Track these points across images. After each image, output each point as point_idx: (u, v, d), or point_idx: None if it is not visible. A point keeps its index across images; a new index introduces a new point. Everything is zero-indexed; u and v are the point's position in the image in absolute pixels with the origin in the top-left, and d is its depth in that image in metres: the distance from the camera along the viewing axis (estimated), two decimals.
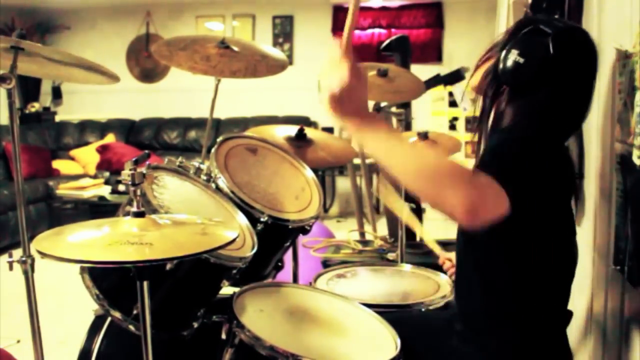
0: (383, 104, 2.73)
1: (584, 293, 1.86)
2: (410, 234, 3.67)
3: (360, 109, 1.15)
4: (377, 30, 6.55)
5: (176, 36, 2.47)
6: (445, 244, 3.10)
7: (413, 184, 1.09)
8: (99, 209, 5.19)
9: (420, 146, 1.24)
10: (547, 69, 1.26)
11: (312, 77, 7.25)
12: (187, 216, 1.34)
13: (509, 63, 1.29)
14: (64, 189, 5.45)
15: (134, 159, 1.22)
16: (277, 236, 1.79)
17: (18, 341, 2.88)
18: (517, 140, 1.24)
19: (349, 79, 1.13)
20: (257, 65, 2.39)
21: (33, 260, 1.52)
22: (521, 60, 1.27)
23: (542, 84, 1.27)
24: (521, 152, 1.19)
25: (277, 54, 2.54)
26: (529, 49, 1.27)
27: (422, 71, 3.41)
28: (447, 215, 1.05)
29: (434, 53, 6.40)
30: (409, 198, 2.58)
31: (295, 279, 2.14)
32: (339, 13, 6.60)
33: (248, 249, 1.52)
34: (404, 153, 1.12)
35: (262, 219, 1.68)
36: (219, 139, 1.87)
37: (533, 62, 1.27)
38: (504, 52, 1.31)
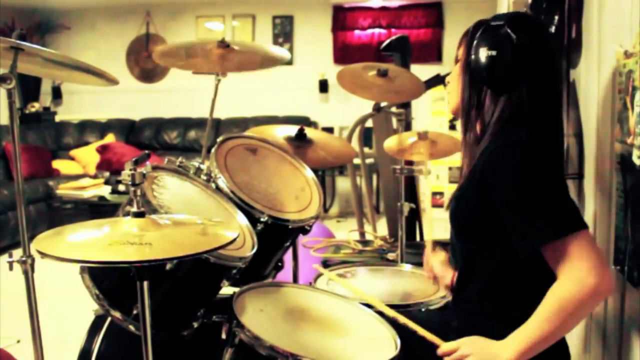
0: (383, 104, 2.73)
1: None
2: (410, 234, 3.66)
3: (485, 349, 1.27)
4: (377, 30, 6.55)
5: (174, 44, 2.47)
6: (445, 244, 3.09)
7: (572, 327, 1.25)
8: (99, 209, 5.19)
9: (537, 316, 1.25)
10: (519, 54, 1.30)
11: (312, 77, 7.30)
12: (187, 216, 1.34)
13: (483, 60, 1.32)
14: (64, 189, 5.45)
15: (134, 159, 1.22)
16: (277, 236, 1.79)
17: (18, 341, 2.88)
18: (530, 177, 1.25)
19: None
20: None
21: (33, 260, 1.52)
22: (494, 52, 1.31)
23: (519, 74, 1.31)
24: (541, 185, 1.24)
25: (278, 51, 2.53)
26: (496, 41, 1.31)
27: (422, 71, 3.41)
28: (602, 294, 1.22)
29: (434, 53, 6.40)
30: (408, 198, 2.57)
31: (295, 279, 2.14)
32: (338, 13, 6.60)
33: (248, 249, 1.52)
34: (549, 333, 1.22)
35: (262, 219, 1.68)
36: (219, 139, 1.87)
37: (506, 50, 1.30)
38: (472, 55, 1.34)
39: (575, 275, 1.18)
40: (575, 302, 1.18)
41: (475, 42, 1.35)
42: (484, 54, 1.32)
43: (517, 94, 1.33)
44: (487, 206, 1.30)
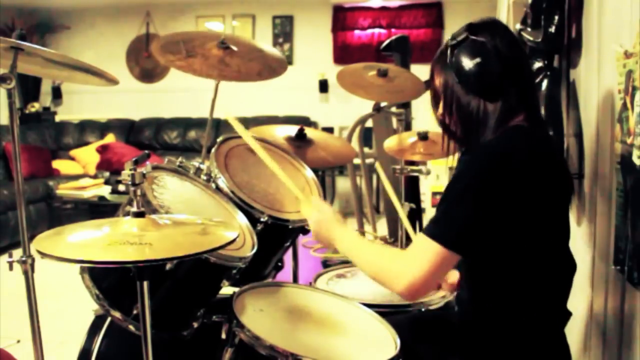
0: (383, 104, 2.73)
1: (584, 293, 1.85)
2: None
3: (326, 232, 1.50)
4: (377, 30, 6.55)
5: (172, 34, 2.44)
6: None
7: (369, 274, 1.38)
8: (99, 209, 5.19)
9: (365, 247, 1.44)
10: (499, 56, 1.30)
11: (312, 77, 7.28)
12: (187, 216, 1.34)
13: (472, 69, 1.31)
14: (64, 189, 5.45)
15: (134, 159, 1.22)
16: (277, 236, 1.79)
17: (18, 341, 2.88)
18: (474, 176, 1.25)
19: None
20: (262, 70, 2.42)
21: (33, 260, 1.52)
22: (478, 60, 1.30)
23: (507, 75, 1.31)
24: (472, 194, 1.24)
25: (277, 53, 2.54)
26: (475, 49, 1.31)
27: (422, 71, 3.40)
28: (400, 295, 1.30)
29: (434, 53, 6.39)
30: (409, 198, 2.57)
31: (295, 279, 2.14)
32: (338, 13, 6.60)
33: (248, 249, 1.52)
34: (356, 255, 1.42)
35: (262, 219, 1.68)
36: (219, 139, 1.87)
37: (488, 55, 1.30)
38: (459, 70, 1.33)
39: (404, 268, 1.26)
40: (381, 276, 1.33)
41: (454, 59, 1.35)
42: (469, 64, 1.31)
43: (509, 96, 1.32)
44: None
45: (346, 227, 1.49)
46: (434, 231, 1.25)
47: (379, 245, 1.42)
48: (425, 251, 1.24)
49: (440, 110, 1.44)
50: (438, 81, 1.43)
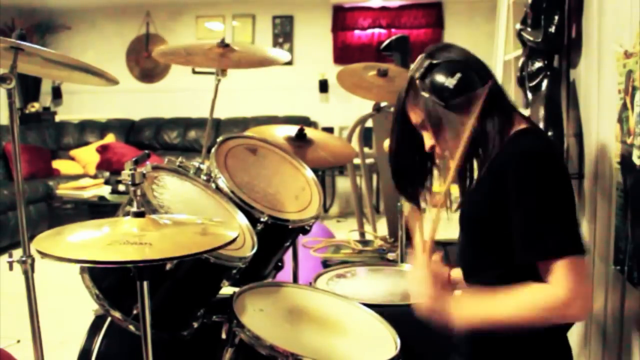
0: (383, 104, 2.73)
1: None
2: (410, 234, 3.65)
3: (445, 305, 1.30)
4: (377, 30, 6.55)
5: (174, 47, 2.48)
6: (445, 244, 3.09)
7: (519, 324, 1.22)
8: (99, 209, 5.19)
9: (499, 300, 1.26)
10: (470, 65, 1.33)
11: (312, 77, 7.27)
12: (187, 216, 1.34)
13: (455, 86, 1.30)
14: (64, 189, 5.45)
15: (134, 159, 1.22)
16: (277, 236, 1.79)
17: (18, 341, 2.88)
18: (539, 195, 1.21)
19: (432, 289, 1.32)
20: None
21: (33, 260, 1.52)
22: (459, 75, 1.30)
23: (484, 83, 1.31)
24: (550, 204, 1.21)
25: (278, 54, 2.55)
26: (450, 67, 1.32)
27: None
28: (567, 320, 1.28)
29: None
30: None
31: (295, 279, 2.14)
32: (338, 13, 6.60)
33: (248, 249, 1.52)
34: (498, 314, 1.25)
35: (262, 219, 1.68)
36: (219, 139, 1.87)
37: (464, 67, 1.31)
38: (435, 96, 1.32)
39: (558, 292, 1.18)
40: (541, 310, 1.21)
41: (430, 84, 1.33)
42: (452, 81, 1.30)
43: (499, 104, 1.33)
44: (498, 209, 1.27)
45: (463, 301, 1.35)
46: (554, 248, 1.19)
47: (513, 293, 1.24)
48: (563, 272, 1.18)
49: (429, 142, 1.41)
50: (416, 116, 1.41)
